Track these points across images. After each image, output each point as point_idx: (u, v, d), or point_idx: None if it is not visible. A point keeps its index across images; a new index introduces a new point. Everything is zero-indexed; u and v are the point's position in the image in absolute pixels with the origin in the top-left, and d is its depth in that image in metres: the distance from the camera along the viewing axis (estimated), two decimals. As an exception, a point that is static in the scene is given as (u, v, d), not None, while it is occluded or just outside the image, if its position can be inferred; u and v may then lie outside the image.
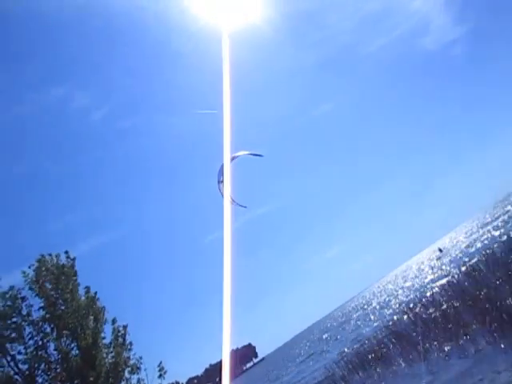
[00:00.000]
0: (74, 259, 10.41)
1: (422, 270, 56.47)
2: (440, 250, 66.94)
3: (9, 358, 9.02)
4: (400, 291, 45.68)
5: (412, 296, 29.81)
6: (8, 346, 9.00)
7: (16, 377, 9.04)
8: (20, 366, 9.10)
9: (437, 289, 21.19)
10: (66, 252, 10.37)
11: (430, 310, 15.99)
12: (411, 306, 20.75)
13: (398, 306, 31.39)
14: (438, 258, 56.88)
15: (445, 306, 14.90)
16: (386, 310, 35.01)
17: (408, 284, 47.97)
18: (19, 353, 9.11)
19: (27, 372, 9.09)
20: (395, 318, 22.37)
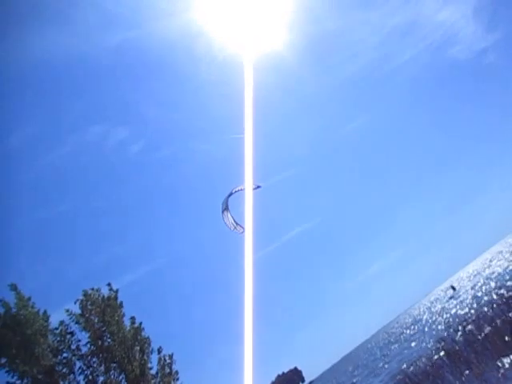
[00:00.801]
0: (116, 291, 10.50)
1: (472, 280, 53.77)
2: (453, 289, 62.09)
3: (62, 393, 9.18)
4: (449, 307, 43.57)
5: (463, 312, 28.37)
6: (61, 382, 9.19)
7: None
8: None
9: (491, 302, 20.09)
10: (109, 284, 10.48)
11: (485, 326, 15.15)
12: (464, 323, 19.74)
13: (448, 323, 29.91)
14: (451, 298, 53.37)
15: (499, 322, 14.09)
16: (435, 328, 33.40)
17: (457, 300, 45.70)
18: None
19: (79, 407, 9.22)
20: (446, 335, 21.30)
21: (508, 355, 11.51)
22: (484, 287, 34.44)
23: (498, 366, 11.59)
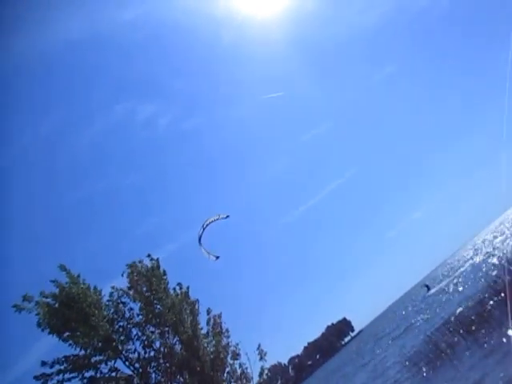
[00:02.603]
0: (157, 260, 10.77)
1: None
2: (427, 288, 59.65)
3: (123, 358, 9.76)
4: (500, 247, 42.41)
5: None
6: (120, 347, 9.76)
7: (133, 374, 9.75)
8: (134, 364, 9.83)
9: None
10: (149, 255, 10.74)
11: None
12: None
13: (496, 264, 29.17)
14: (425, 297, 51.57)
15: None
16: (484, 270, 32.73)
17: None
18: (130, 352, 9.85)
19: (141, 369, 9.78)
20: (495, 275, 20.80)
21: None
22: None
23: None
